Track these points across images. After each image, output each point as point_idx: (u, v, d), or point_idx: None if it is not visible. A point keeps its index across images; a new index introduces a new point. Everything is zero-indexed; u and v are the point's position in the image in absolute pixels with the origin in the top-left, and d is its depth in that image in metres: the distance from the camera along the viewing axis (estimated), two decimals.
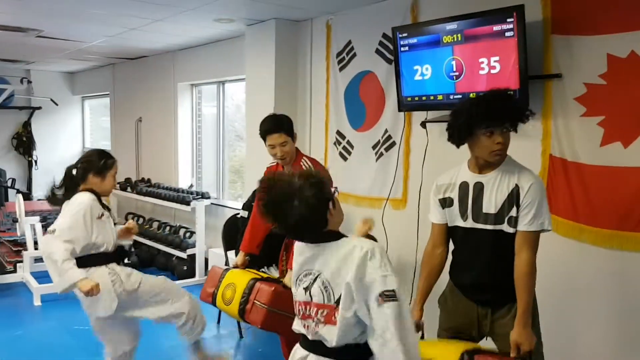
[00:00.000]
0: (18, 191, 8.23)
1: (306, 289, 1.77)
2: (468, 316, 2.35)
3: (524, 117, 2.21)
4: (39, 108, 9.09)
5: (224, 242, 4.63)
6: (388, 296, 1.62)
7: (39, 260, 5.97)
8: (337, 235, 1.76)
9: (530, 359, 2.16)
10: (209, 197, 5.98)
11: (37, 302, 5.11)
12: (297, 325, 1.85)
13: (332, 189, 1.78)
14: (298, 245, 1.85)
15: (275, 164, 3.34)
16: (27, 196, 8.42)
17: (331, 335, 1.71)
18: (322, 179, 1.75)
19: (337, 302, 1.69)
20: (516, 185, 2.19)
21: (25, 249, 5.71)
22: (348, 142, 4.39)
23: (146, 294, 2.91)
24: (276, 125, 3.15)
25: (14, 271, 5.68)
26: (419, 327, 2.44)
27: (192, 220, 6.02)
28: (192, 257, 5.80)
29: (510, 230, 2.20)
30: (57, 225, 2.70)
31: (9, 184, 8.51)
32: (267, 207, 1.72)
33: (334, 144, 4.51)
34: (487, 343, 2.37)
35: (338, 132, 4.47)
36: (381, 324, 1.62)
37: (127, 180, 7.25)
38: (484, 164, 2.26)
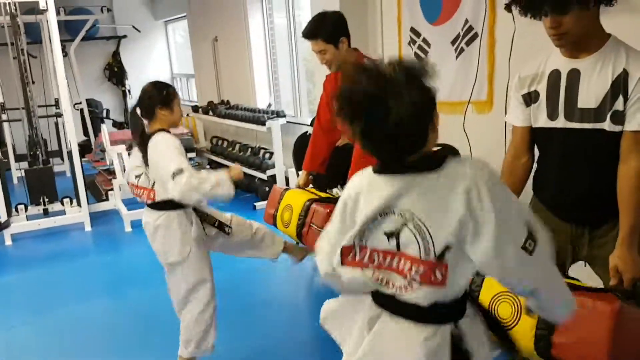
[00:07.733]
0: (114, 122, 8.52)
1: (390, 234, 1.26)
2: (559, 238, 1.88)
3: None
4: (124, 37, 9.18)
5: (294, 162, 4.39)
6: (530, 243, 1.20)
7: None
8: (438, 161, 1.21)
9: (636, 290, 1.70)
10: (284, 116, 5.71)
11: (127, 229, 5.26)
12: (361, 276, 1.32)
13: None
14: (367, 176, 1.31)
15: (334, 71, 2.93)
16: (123, 125, 8.69)
17: (428, 298, 1.26)
18: (425, 68, 1.17)
19: (440, 256, 1.21)
20: (624, 70, 1.64)
21: (115, 177, 5.87)
22: (424, 40, 3.81)
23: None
24: (311, 32, 2.71)
25: (106, 199, 5.89)
26: None
27: (271, 140, 5.82)
28: (273, 178, 5.66)
29: (615, 129, 1.68)
30: (166, 169, 2.37)
31: (104, 114, 8.81)
32: (345, 113, 1.18)
33: (409, 43, 3.95)
34: (583, 270, 1.92)
35: (412, 30, 3.89)
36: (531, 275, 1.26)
37: (210, 103, 7.16)
38: (578, 45, 1.71)
